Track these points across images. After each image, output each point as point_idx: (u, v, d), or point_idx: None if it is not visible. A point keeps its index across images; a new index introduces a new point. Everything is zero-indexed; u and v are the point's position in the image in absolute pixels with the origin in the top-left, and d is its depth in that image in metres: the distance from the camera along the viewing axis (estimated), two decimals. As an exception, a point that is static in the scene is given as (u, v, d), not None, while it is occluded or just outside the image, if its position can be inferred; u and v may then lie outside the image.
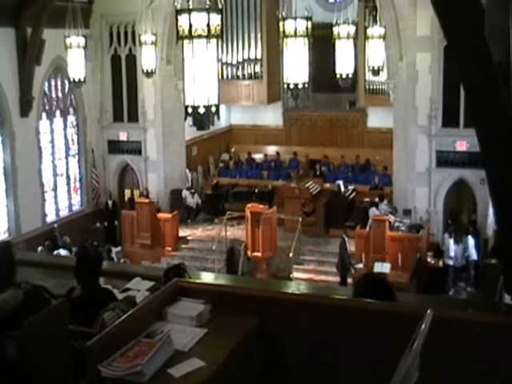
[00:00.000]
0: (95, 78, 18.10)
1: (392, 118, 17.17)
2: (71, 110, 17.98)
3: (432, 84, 15.93)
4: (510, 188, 4.40)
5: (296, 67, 8.10)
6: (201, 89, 5.14)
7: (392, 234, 14.84)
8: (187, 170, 19.26)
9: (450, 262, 14.48)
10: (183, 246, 16.95)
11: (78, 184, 18.34)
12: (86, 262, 3.91)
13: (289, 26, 8.05)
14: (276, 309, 3.21)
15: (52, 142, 17.17)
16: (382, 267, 13.71)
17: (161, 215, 17.08)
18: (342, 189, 17.58)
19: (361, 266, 14.36)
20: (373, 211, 15.67)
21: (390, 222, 15.02)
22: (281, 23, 8.14)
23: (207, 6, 5.15)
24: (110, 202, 18.21)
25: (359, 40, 17.04)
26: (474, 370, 2.84)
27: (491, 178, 4.57)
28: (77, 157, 18.28)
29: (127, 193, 19.15)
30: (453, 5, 4.21)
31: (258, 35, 20.05)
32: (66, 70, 14.74)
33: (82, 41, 13.96)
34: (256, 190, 18.11)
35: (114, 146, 18.72)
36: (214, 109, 5.22)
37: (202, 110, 5.18)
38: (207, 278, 5.10)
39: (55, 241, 15.63)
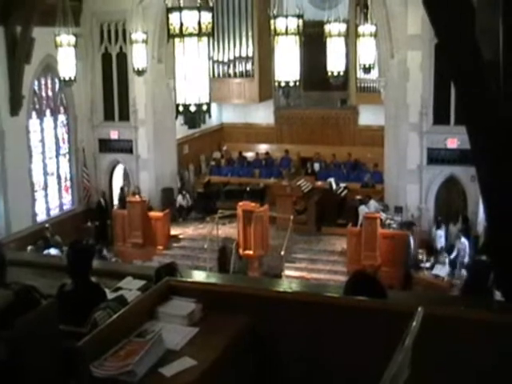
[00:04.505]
0: (86, 77, 18.00)
1: (383, 116, 17.20)
2: (61, 108, 17.88)
3: (423, 82, 15.97)
4: (500, 185, 4.42)
5: (287, 65, 8.08)
6: (192, 87, 5.11)
7: (383, 232, 14.88)
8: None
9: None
10: (175, 244, 16.92)
11: (68, 183, 18.26)
12: (77, 255, 3.93)
13: (280, 24, 8.03)
14: (268, 307, 3.21)
15: (42, 140, 17.08)
16: (441, 270, 13.65)
17: (152, 214, 17.04)
18: (334, 186, 17.59)
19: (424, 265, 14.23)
20: (362, 209, 15.69)
21: (381, 220, 15.06)
22: (272, 21, 8.11)
23: (198, 4, 5.12)
24: (102, 201, 18.15)
25: (350, 38, 17.08)
26: (465, 368, 2.85)
27: (481, 175, 4.59)
28: (67, 156, 18.20)
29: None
30: (443, 3, 4.22)
31: (250, 33, 20.03)
32: (57, 69, 14.65)
33: (72, 39, 13.86)
34: (248, 189, 18.11)
35: (105, 145, 18.64)
36: (205, 107, 5.20)
37: (193, 109, 5.15)
38: (199, 276, 5.07)
39: (46, 240, 15.56)
